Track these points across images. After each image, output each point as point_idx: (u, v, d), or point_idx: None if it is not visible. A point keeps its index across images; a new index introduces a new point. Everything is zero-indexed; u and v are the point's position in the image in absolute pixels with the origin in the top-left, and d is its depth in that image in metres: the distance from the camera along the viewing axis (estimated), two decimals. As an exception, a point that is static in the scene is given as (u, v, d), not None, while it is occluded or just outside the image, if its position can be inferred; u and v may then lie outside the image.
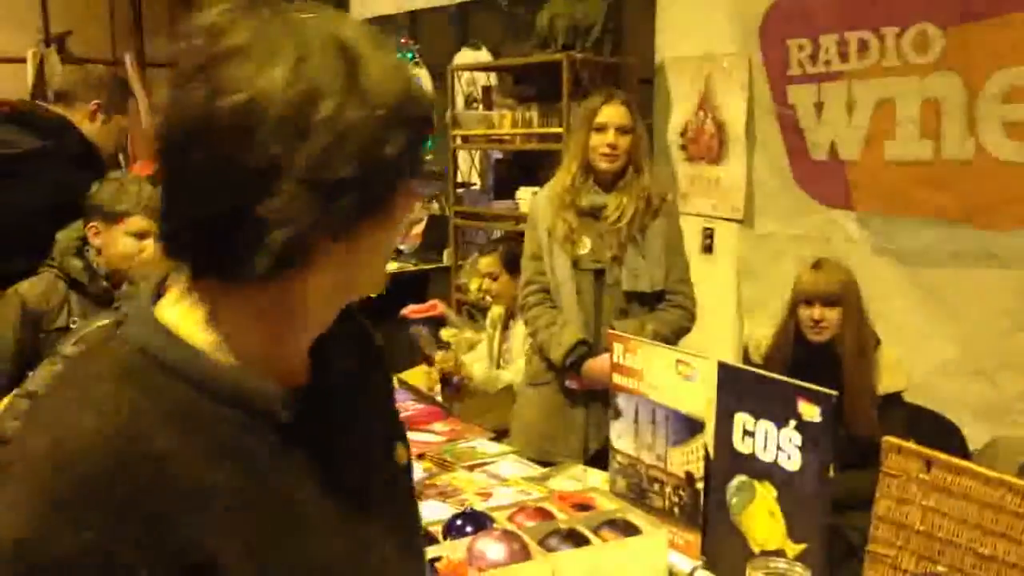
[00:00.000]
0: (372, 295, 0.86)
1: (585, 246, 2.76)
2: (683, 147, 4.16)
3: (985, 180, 3.05)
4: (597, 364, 2.69)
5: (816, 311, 2.62)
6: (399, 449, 0.97)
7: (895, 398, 2.60)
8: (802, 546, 1.68)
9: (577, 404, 2.80)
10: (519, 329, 3.33)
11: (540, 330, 2.81)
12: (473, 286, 4.15)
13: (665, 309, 2.78)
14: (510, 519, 1.89)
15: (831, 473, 2.40)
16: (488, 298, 3.60)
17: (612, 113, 2.72)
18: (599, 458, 2.60)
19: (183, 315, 0.80)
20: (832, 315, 2.61)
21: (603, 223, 2.74)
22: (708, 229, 4.08)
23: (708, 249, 4.09)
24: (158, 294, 0.82)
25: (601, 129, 2.72)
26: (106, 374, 0.76)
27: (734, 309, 3.93)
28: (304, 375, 0.86)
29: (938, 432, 2.74)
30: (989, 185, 3.05)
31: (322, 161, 0.72)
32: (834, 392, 1.64)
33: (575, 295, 2.78)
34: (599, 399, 2.70)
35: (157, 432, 0.73)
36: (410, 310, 4.16)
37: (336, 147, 0.72)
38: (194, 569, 0.72)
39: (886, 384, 2.57)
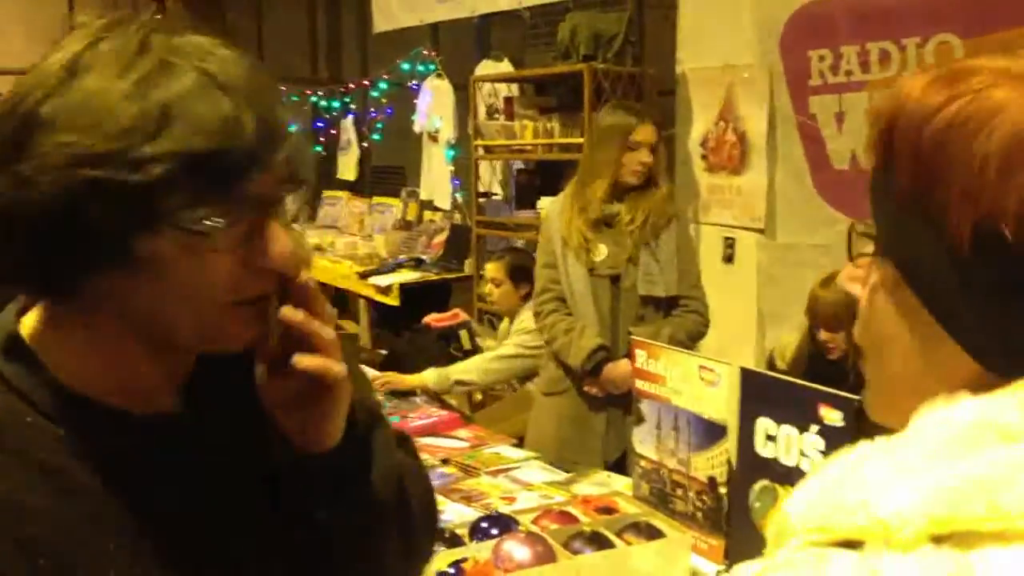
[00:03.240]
0: (222, 347, 0.77)
1: (601, 253, 2.81)
2: (704, 157, 4.18)
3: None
4: (617, 369, 2.72)
5: (822, 334, 2.67)
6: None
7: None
8: (825, 549, 1.69)
9: (597, 410, 2.82)
10: (513, 324, 3.39)
11: (558, 336, 2.83)
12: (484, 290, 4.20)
13: (680, 314, 2.83)
14: (535, 522, 1.91)
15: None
16: (491, 304, 3.66)
17: (647, 133, 2.80)
18: (619, 465, 2.62)
19: (38, 331, 0.77)
20: (838, 338, 2.65)
21: (617, 228, 2.79)
22: (729, 239, 4.09)
23: (729, 259, 4.10)
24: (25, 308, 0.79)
25: (635, 148, 2.78)
26: None
27: (754, 319, 3.94)
28: (167, 402, 0.81)
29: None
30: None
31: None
32: (856, 397, 1.65)
33: (592, 302, 2.81)
34: (619, 405, 2.73)
35: None
36: (432, 319, 4.20)
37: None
38: None
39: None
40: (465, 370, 3.29)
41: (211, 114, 0.67)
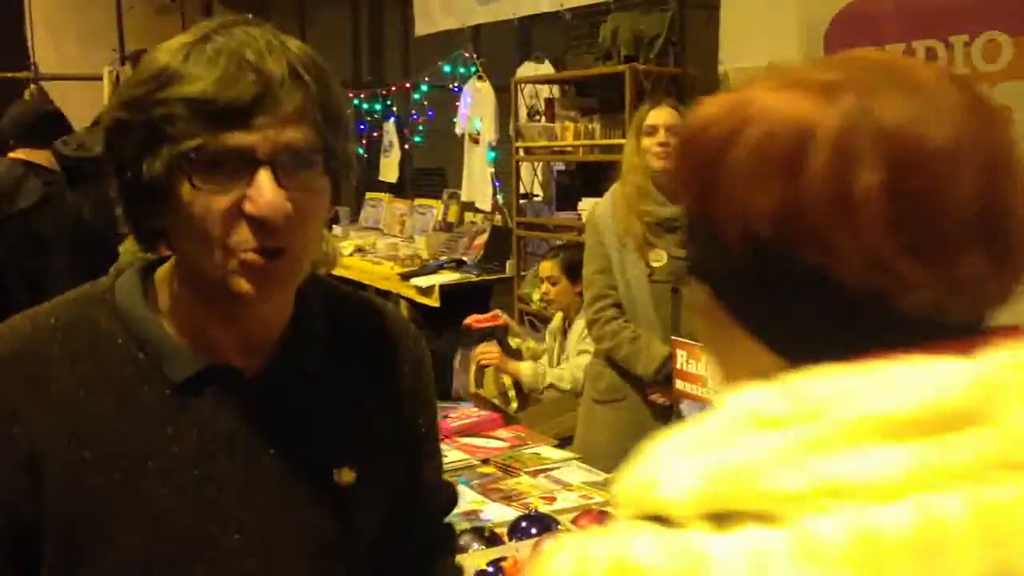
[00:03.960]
0: (233, 290, 0.86)
1: (660, 258, 2.73)
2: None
3: (1058, 189, 3.00)
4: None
5: None
6: (343, 469, 0.97)
7: None
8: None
9: (661, 419, 2.75)
10: (575, 329, 3.35)
11: (623, 344, 2.76)
12: (535, 295, 4.19)
13: None
14: (574, 522, 1.91)
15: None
16: (547, 305, 3.63)
17: (661, 114, 2.76)
18: None
19: (164, 273, 0.95)
20: None
21: (678, 234, 2.74)
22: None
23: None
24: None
25: (651, 132, 2.75)
26: (72, 296, 0.94)
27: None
28: (244, 358, 0.93)
29: None
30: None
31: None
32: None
33: (653, 308, 2.74)
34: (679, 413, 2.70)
35: (56, 343, 0.89)
36: (473, 320, 4.21)
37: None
38: (28, 458, 0.86)
39: None
40: (559, 376, 3.30)
41: (213, 72, 0.81)
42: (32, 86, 6.21)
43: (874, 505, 0.51)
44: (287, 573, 0.94)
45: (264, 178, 0.82)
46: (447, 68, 6.16)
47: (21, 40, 6.30)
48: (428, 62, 6.44)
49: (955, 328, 0.57)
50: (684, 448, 0.57)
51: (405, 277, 5.44)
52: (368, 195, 7.24)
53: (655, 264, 2.74)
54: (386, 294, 5.94)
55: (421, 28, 6.05)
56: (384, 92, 7.25)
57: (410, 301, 5.51)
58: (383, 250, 6.15)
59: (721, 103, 0.63)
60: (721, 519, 0.53)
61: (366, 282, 5.80)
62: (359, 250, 6.19)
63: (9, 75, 6.08)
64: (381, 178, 7.16)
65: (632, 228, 2.76)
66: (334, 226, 6.80)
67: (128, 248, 2.67)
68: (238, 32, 0.84)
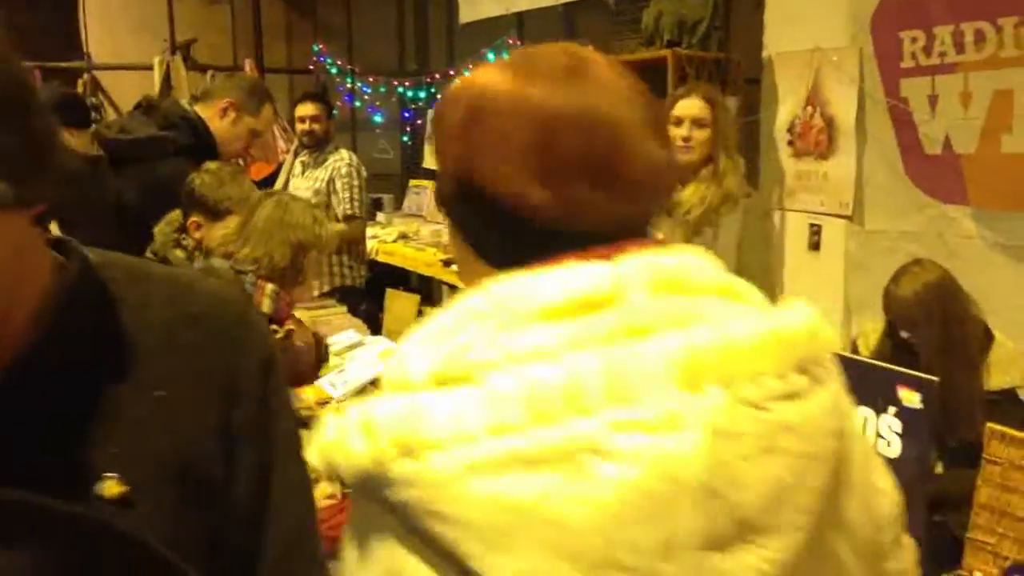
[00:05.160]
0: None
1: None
2: (790, 143, 4.11)
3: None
4: None
5: (902, 332, 2.54)
6: (106, 482, 0.78)
7: (1009, 394, 2.52)
8: (902, 533, 1.66)
9: None
10: None
11: None
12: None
13: None
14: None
15: (938, 468, 2.36)
16: None
17: (689, 106, 2.72)
18: None
19: None
20: (915, 333, 2.52)
21: (675, 217, 2.73)
22: (815, 226, 4.02)
23: (815, 246, 4.03)
24: None
25: (678, 123, 2.72)
26: None
27: (841, 307, 3.86)
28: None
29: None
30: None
31: None
32: (935, 378, 1.62)
33: None
34: None
35: None
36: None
37: None
38: None
39: (997, 381, 2.49)
40: None
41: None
42: (85, 75, 6.34)
43: (537, 364, 0.72)
44: None
45: None
46: (491, 55, 6.18)
47: (75, 31, 6.43)
48: (473, 49, 6.46)
49: (589, 236, 0.81)
50: (423, 339, 0.78)
51: (447, 263, 5.47)
52: (411, 182, 7.28)
53: None
54: (429, 280, 5.99)
55: (465, 15, 6.07)
56: (428, 79, 7.28)
57: (452, 287, 5.55)
58: (426, 237, 6.18)
59: (457, 83, 0.90)
60: (441, 383, 0.74)
61: (409, 268, 5.84)
62: (402, 236, 6.23)
63: (64, 65, 6.21)
64: (424, 165, 7.20)
65: None
66: (378, 213, 6.85)
67: (163, 230, 2.72)
68: None
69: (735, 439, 0.70)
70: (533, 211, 0.81)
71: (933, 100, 3.47)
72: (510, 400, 0.70)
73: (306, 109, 5.15)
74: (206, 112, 3.17)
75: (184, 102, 3.45)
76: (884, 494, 0.88)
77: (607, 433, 0.68)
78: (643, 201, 0.85)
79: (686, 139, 2.70)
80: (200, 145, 3.11)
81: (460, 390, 0.72)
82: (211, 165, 2.78)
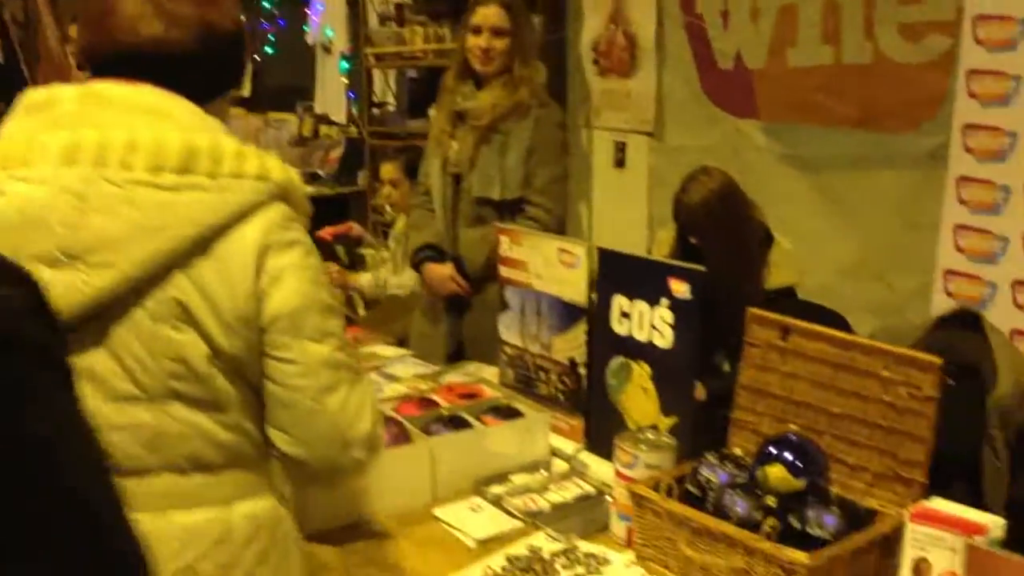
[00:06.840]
0: None
1: (452, 149, 2.74)
2: (595, 61, 4.14)
3: (882, 83, 3.08)
4: (433, 270, 2.75)
5: (692, 239, 2.56)
6: None
7: (787, 292, 2.63)
8: (673, 419, 1.72)
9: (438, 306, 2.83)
10: (399, 224, 3.35)
11: (412, 227, 2.88)
12: (381, 199, 4.11)
13: (517, 220, 2.63)
14: (396, 410, 1.90)
15: (726, 367, 2.44)
16: (389, 208, 3.57)
17: (488, 14, 2.67)
18: (455, 357, 2.67)
19: None
20: (702, 237, 2.55)
21: (467, 124, 2.71)
22: (620, 143, 4.08)
23: (620, 163, 4.10)
24: None
25: (476, 31, 2.68)
26: None
27: (645, 220, 3.96)
28: None
29: (826, 323, 2.78)
30: (886, 88, 3.08)
31: None
32: (702, 268, 1.66)
33: (441, 199, 2.77)
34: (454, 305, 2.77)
35: None
36: (326, 231, 4.12)
37: None
38: None
39: (775, 279, 2.60)
40: (399, 284, 3.31)
41: None
42: None
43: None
44: None
45: None
46: (297, -26, 5.92)
47: None
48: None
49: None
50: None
51: None
52: (223, 110, 6.95)
53: (449, 154, 2.74)
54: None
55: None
56: (233, 1, 6.92)
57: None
58: (237, 166, 5.93)
59: None
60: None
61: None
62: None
63: None
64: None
65: (437, 120, 2.80)
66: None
67: None
68: None
69: (77, 196, 1.09)
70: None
71: (726, 15, 3.55)
72: None
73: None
74: None
75: None
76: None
77: (4, 178, 1.11)
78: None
79: (485, 50, 2.65)
80: None
81: None
82: None
